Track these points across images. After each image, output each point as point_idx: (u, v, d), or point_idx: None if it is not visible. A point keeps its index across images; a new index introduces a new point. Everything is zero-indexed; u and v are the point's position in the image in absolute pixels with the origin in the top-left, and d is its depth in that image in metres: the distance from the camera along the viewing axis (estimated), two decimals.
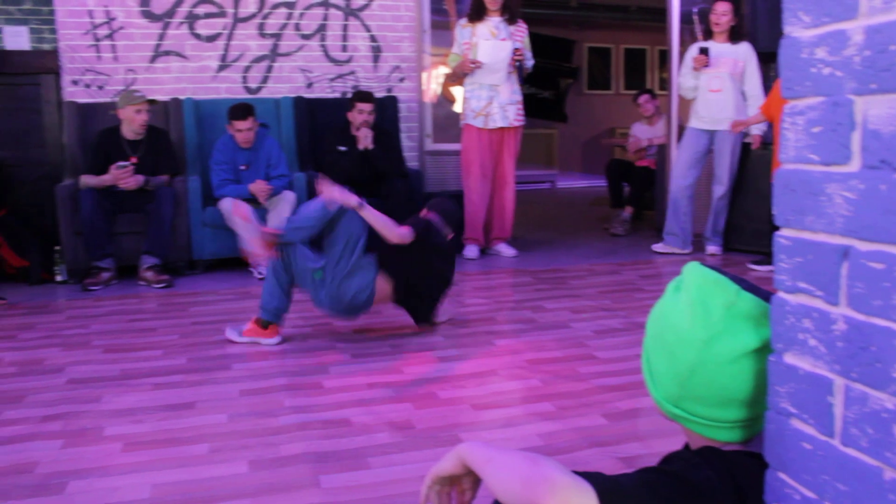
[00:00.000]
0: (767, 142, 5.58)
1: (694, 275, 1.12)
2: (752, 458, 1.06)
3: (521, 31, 5.69)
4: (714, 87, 5.57)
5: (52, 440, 2.67)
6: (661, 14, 6.65)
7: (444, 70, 6.27)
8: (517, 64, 5.59)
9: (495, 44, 5.56)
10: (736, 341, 1.05)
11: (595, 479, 0.98)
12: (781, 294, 0.99)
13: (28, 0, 5.90)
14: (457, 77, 5.82)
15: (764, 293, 1.08)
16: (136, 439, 2.67)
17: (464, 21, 5.70)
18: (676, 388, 1.10)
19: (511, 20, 5.64)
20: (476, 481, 1.18)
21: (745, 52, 5.55)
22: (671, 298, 1.14)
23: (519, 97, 5.72)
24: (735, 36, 5.56)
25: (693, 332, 1.07)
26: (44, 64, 5.70)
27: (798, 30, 0.96)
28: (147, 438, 2.68)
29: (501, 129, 5.70)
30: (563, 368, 3.34)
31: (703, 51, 5.52)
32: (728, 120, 5.56)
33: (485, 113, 5.64)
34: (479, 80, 5.62)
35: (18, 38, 5.85)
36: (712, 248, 5.81)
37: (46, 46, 5.89)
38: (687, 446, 1.18)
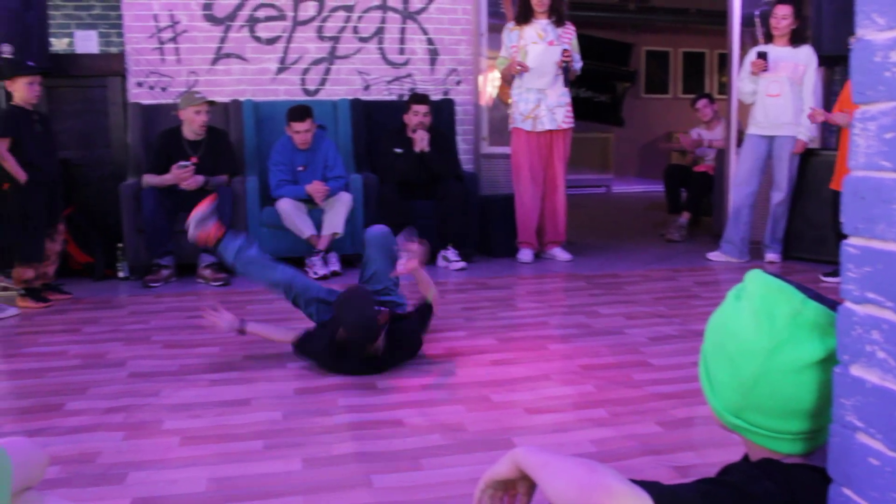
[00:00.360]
0: (827, 147, 5.46)
1: (757, 283, 1.09)
2: (815, 472, 1.04)
3: (568, 33, 5.66)
4: (773, 92, 5.45)
5: (114, 432, 2.74)
6: (721, 17, 6.55)
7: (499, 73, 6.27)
8: (564, 65, 5.54)
9: (545, 49, 5.54)
10: (801, 351, 1.03)
11: (653, 487, 0.97)
12: (849, 304, 0.97)
13: (98, 5, 6.08)
14: (506, 80, 5.80)
15: (830, 302, 1.06)
16: (194, 434, 2.73)
17: (511, 24, 5.69)
18: (738, 399, 1.08)
19: (558, 22, 5.60)
20: (531, 486, 1.18)
21: (805, 56, 5.42)
22: (732, 306, 1.12)
23: (567, 99, 5.68)
24: (796, 39, 5.44)
25: (757, 341, 1.05)
26: (111, 66, 5.86)
27: (871, 32, 0.93)
28: (204, 433, 2.73)
29: (550, 131, 5.67)
30: (618, 374, 3.31)
31: (762, 55, 5.41)
32: (787, 125, 5.44)
33: (532, 116, 5.63)
34: (527, 83, 5.61)
35: (88, 42, 6.03)
36: (771, 256, 5.69)
37: (114, 50, 6.07)
38: (746, 458, 1.15)
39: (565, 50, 5.53)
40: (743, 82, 5.59)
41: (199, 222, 3.67)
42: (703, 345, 1.17)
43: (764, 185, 5.72)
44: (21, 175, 4.46)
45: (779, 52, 5.43)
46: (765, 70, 5.41)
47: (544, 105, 5.61)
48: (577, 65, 5.69)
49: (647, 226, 7.53)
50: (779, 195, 5.61)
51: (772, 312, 1.05)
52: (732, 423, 1.10)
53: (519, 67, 5.54)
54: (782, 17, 5.38)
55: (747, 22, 6.24)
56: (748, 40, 6.25)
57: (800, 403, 1.04)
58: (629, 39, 11.76)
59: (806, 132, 5.45)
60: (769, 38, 5.55)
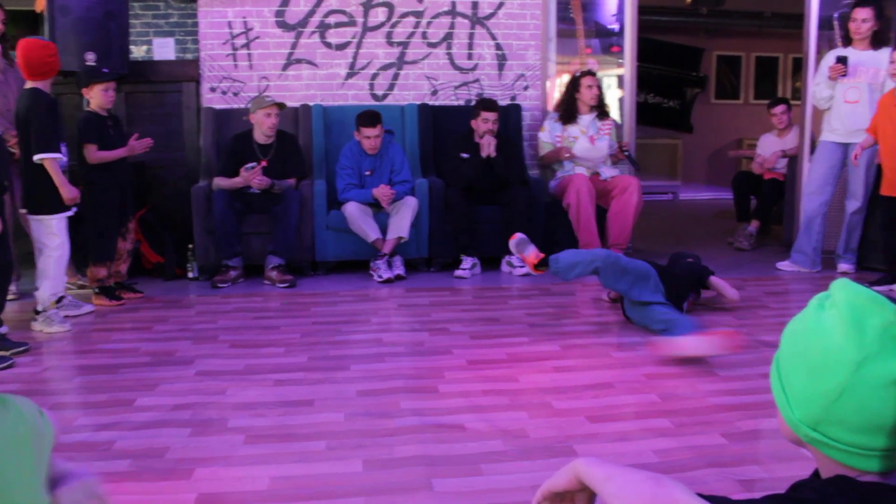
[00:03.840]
0: None
1: (846, 292, 1.04)
2: (892, 492, 1.00)
3: (607, 125, 5.98)
4: (850, 98, 5.28)
5: (182, 428, 2.81)
6: (797, 20, 6.38)
7: (566, 78, 6.24)
8: (626, 153, 5.95)
9: (591, 147, 5.86)
10: (892, 364, 0.98)
11: (722, 503, 0.95)
12: None
13: (175, 14, 6.25)
14: (548, 162, 6.06)
15: None
16: (258, 432, 2.78)
17: (555, 116, 6.00)
18: (819, 411, 1.04)
19: (600, 116, 5.95)
20: (590, 498, 1.16)
21: (887, 60, 5.23)
22: (815, 316, 1.07)
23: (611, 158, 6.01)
24: (877, 42, 5.26)
25: (844, 352, 1.00)
26: (186, 72, 6.01)
27: None
28: (267, 432, 2.78)
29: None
30: (682, 384, 3.25)
31: (841, 60, 5.23)
32: (864, 133, 5.26)
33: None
34: (575, 161, 5.89)
35: (165, 49, 6.21)
36: (844, 266, 5.52)
37: (189, 56, 6.23)
38: (816, 474, 1.12)
39: (623, 143, 6.02)
40: (819, 87, 5.43)
41: (518, 246, 4.32)
42: (779, 354, 1.13)
43: (838, 194, 5.55)
44: (125, 153, 4.79)
45: (858, 56, 5.26)
46: (843, 75, 5.25)
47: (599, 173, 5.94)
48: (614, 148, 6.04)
49: (714, 234, 7.38)
50: (854, 204, 5.43)
51: (862, 323, 1.00)
52: (809, 436, 1.06)
53: (567, 155, 5.82)
54: (862, 20, 5.20)
55: (825, 25, 6.06)
56: (825, 44, 6.08)
57: (884, 419, 0.99)
58: (700, 44, 11.56)
59: None
60: (847, 42, 5.38)
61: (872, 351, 0.99)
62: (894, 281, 4.97)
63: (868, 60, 5.25)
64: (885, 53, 5.24)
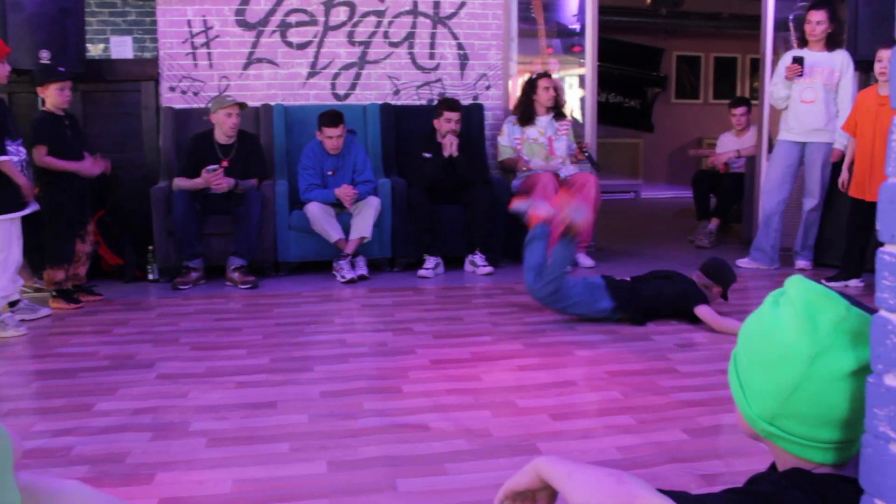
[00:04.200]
0: None
1: (800, 288, 1.06)
2: (846, 483, 1.02)
3: (565, 126, 6.03)
4: (807, 98, 5.38)
5: (142, 432, 2.77)
6: (754, 21, 6.48)
7: (526, 76, 6.27)
8: (587, 154, 6.00)
9: (547, 164, 5.90)
10: (843, 358, 1.00)
11: (680, 498, 0.96)
12: (883, 313, 0.95)
13: (133, 11, 6.15)
14: (507, 167, 6.12)
15: (870, 310, 1.03)
16: (220, 435, 2.75)
17: (513, 119, 6.04)
18: (774, 405, 1.05)
19: (557, 117, 6.00)
20: (552, 496, 1.17)
21: (841, 62, 5.34)
22: (770, 312, 1.09)
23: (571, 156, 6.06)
24: (831, 43, 5.36)
25: (798, 346, 1.02)
26: (145, 71, 5.92)
27: None
28: (230, 435, 2.75)
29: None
30: (644, 381, 3.28)
31: (798, 60, 5.33)
32: (820, 132, 5.37)
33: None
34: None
35: (123, 48, 6.11)
36: (802, 263, 5.62)
37: (148, 55, 6.14)
38: (773, 467, 1.13)
39: (582, 143, 6.05)
40: (776, 87, 5.52)
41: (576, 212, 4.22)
42: (736, 350, 1.15)
43: (795, 192, 5.65)
44: (75, 168, 4.67)
45: (814, 57, 5.35)
46: (800, 76, 5.34)
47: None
48: (573, 148, 6.08)
49: (675, 232, 7.47)
50: (811, 202, 5.53)
51: (815, 318, 1.02)
52: (766, 430, 1.08)
53: (525, 168, 5.90)
54: (817, 22, 5.29)
55: (781, 26, 6.17)
56: (781, 45, 6.18)
57: (838, 412, 1.01)
58: (660, 44, 11.69)
59: (842, 140, 5.36)
60: (803, 43, 5.48)
61: (825, 346, 1.01)
62: (849, 277, 5.07)
63: (823, 61, 5.35)
64: (839, 55, 5.35)
